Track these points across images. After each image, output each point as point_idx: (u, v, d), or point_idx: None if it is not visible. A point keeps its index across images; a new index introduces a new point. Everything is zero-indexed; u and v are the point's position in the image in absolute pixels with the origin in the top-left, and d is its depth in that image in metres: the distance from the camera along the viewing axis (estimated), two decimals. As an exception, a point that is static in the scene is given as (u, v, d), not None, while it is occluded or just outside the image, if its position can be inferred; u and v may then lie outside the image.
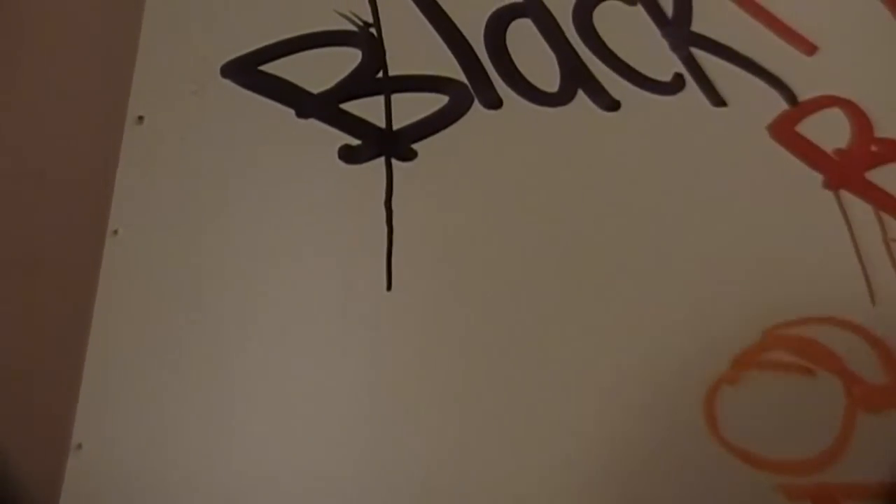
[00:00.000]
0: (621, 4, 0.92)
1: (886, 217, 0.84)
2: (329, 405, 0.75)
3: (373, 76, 0.87)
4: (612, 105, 0.87)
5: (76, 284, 0.78)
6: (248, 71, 0.86)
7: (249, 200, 0.82)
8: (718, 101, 0.88)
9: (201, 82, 0.86)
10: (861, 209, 0.85)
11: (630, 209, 0.83)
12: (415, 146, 0.84)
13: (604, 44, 0.90)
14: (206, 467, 0.72)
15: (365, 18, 0.89)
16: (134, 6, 0.88)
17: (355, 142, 0.84)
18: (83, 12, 0.89)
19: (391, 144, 0.84)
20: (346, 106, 0.85)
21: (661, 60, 0.90)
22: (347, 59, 0.87)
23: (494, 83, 0.87)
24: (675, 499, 0.73)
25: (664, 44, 0.91)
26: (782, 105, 0.89)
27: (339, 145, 0.84)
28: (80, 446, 0.72)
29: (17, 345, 0.75)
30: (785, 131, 0.88)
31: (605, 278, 0.80)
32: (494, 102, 0.86)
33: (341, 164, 0.83)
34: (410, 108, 0.85)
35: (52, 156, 0.83)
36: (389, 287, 0.78)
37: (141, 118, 0.84)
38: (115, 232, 0.80)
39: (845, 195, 0.85)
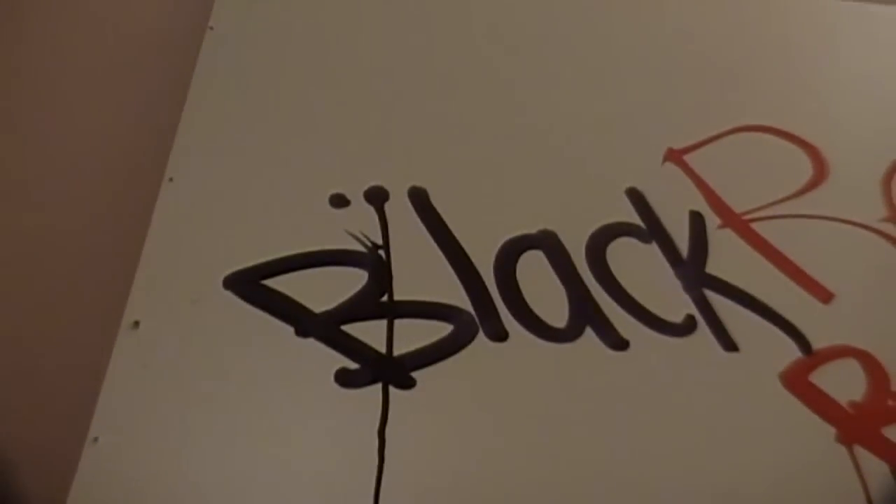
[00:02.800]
0: (636, 241, 0.91)
1: (903, 477, 0.80)
2: None
3: (377, 299, 0.85)
4: (621, 344, 0.85)
5: (53, 488, 0.75)
6: (250, 284, 0.85)
7: (239, 416, 0.79)
8: (730, 345, 0.86)
9: (202, 292, 0.84)
10: (876, 466, 0.81)
11: (636, 453, 0.80)
12: (414, 374, 0.81)
13: (615, 281, 0.88)
14: None
15: (375, 240, 0.88)
16: (142, 211, 0.87)
17: (353, 365, 0.81)
18: (92, 208, 0.89)
19: (390, 371, 0.81)
20: (347, 327, 0.83)
21: (673, 300, 0.88)
22: (353, 280, 0.86)
23: (501, 314, 0.85)
24: None
25: (677, 284, 0.89)
26: (796, 353, 0.86)
27: (336, 368, 0.81)
28: None
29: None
30: (798, 380, 0.85)
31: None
32: (500, 334, 0.84)
33: (337, 387, 0.80)
34: (413, 335, 0.83)
35: (41, 353, 0.82)
36: (375, 528, 0.74)
37: (137, 323, 0.82)
38: (96, 440, 0.77)
39: (859, 451, 0.81)
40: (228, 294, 0.84)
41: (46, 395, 0.80)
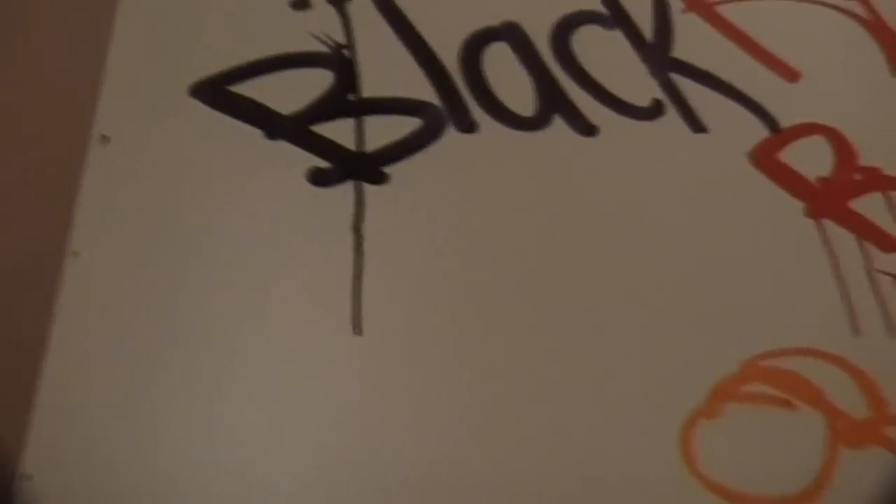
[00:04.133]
0: (600, 28, 0.91)
1: (869, 247, 0.82)
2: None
3: (344, 98, 0.85)
4: (590, 130, 0.85)
5: (35, 304, 0.75)
6: (217, 91, 0.84)
7: (214, 223, 0.79)
8: (698, 127, 0.86)
9: (170, 102, 0.84)
10: (843, 238, 0.83)
11: (606, 236, 0.81)
12: (387, 169, 0.82)
13: (581, 68, 0.88)
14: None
15: (338, 40, 0.88)
16: (103, 24, 0.86)
17: (325, 164, 0.82)
18: (51, 28, 0.88)
19: (362, 167, 0.82)
20: (316, 128, 0.83)
21: (639, 85, 0.88)
22: (319, 81, 0.85)
23: (469, 107, 0.85)
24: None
25: (643, 68, 0.89)
26: (764, 132, 0.87)
27: (307, 167, 0.82)
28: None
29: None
30: (766, 158, 0.86)
31: (580, 307, 0.78)
32: (469, 126, 0.84)
33: (309, 186, 0.81)
34: (383, 131, 0.83)
35: (12, 172, 0.81)
36: (357, 328, 0.76)
37: (106, 137, 0.82)
38: (76, 253, 0.78)
39: (828, 224, 0.83)
40: (196, 102, 0.84)
41: (21, 212, 0.80)
